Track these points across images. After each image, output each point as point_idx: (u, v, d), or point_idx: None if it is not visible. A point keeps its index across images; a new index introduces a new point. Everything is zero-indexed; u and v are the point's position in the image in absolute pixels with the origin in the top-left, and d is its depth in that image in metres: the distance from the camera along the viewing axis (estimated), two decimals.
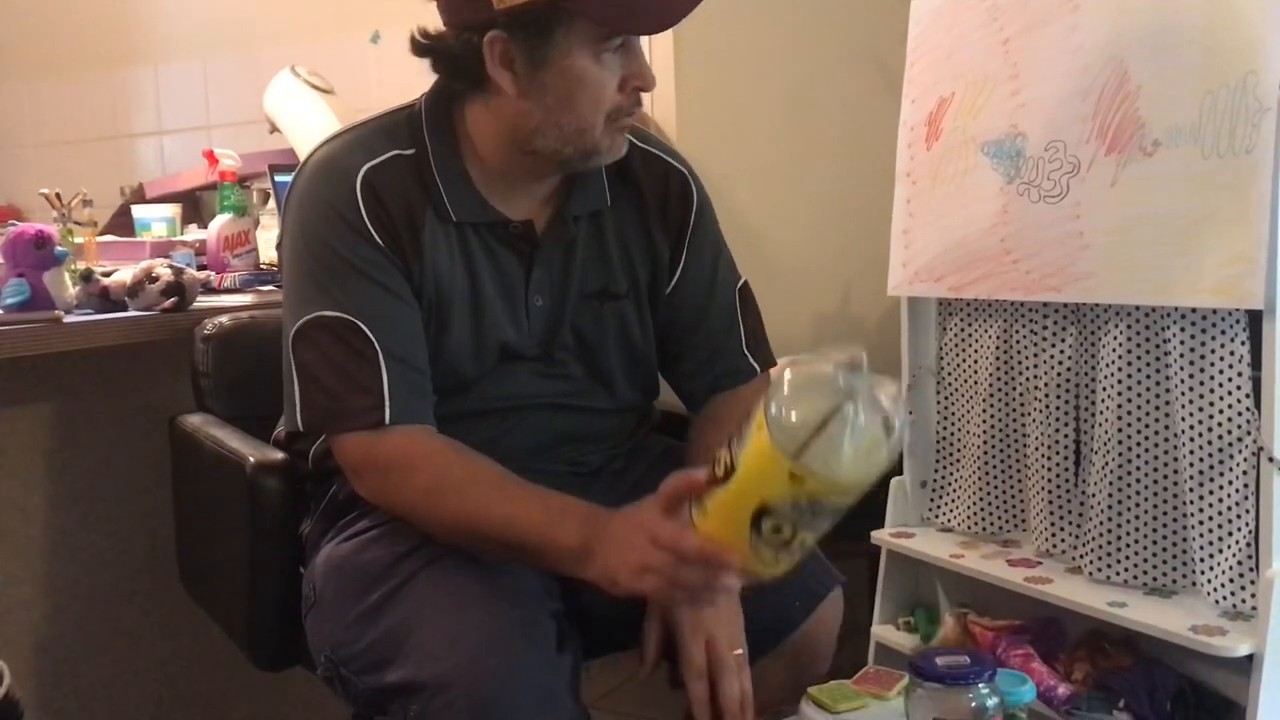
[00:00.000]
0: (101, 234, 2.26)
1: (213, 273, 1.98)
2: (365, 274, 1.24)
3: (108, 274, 1.76)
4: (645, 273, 1.40)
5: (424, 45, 1.28)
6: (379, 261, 1.25)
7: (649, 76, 1.25)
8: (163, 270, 1.71)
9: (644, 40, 1.27)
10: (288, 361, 1.28)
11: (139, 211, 2.38)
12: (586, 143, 1.25)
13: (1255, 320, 1.36)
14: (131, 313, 1.71)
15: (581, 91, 1.22)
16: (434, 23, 1.28)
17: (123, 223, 2.54)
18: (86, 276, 1.71)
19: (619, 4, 1.18)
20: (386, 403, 1.22)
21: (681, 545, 1.05)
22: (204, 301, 1.80)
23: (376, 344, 1.23)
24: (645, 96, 1.29)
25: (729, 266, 1.47)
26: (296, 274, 1.28)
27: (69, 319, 1.64)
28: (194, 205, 2.62)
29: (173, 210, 2.36)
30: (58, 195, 1.92)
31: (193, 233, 2.35)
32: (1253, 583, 1.38)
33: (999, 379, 1.69)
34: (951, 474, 1.79)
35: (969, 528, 1.75)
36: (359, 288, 1.24)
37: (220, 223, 2.03)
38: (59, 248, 1.64)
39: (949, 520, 1.78)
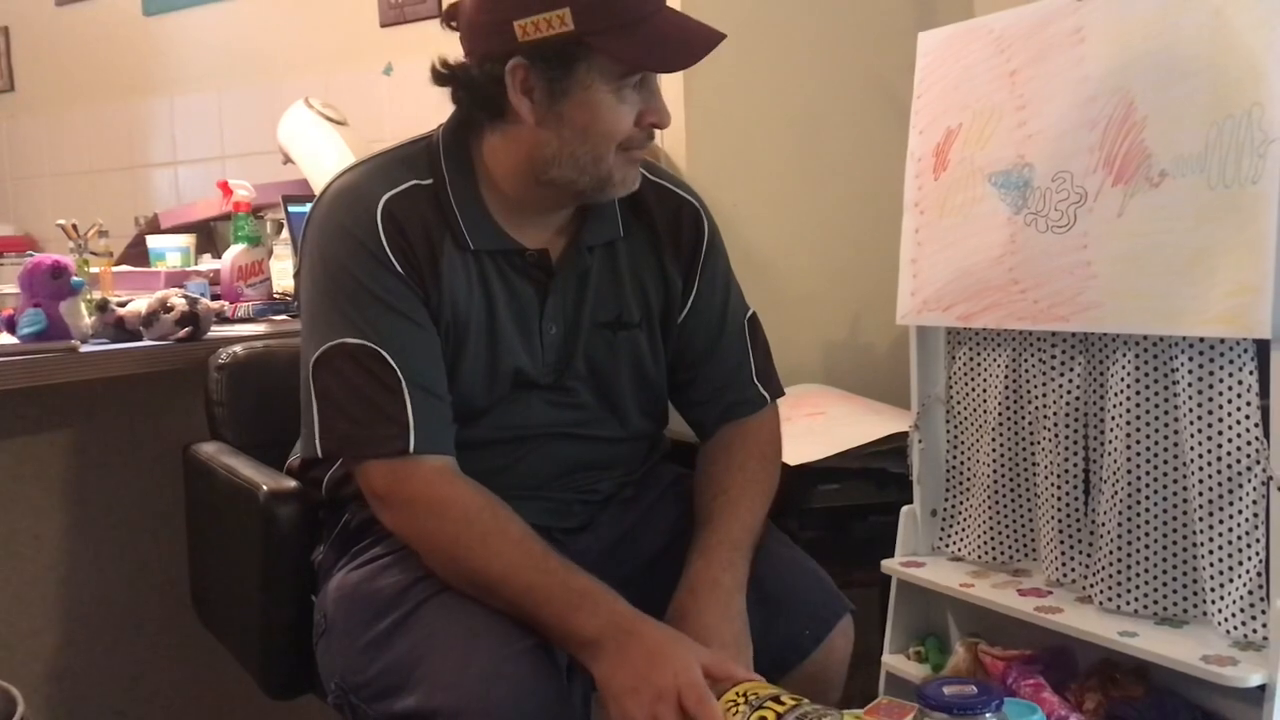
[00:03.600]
0: (117, 264, 2.27)
1: (227, 302, 2.00)
2: (387, 302, 1.25)
3: (123, 304, 1.77)
4: (658, 302, 1.41)
5: (445, 75, 1.30)
6: (400, 290, 1.26)
7: (664, 113, 1.27)
8: (177, 300, 1.73)
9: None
10: (306, 387, 1.28)
11: (154, 241, 2.39)
12: (601, 172, 1.27)
13: (1263, 349, 1.36)
14: (146, 342, 1.73)
15: (598, 124, 1.24)
16: (448, 56, 1.30)
17: (138, 253, 2.56)
18: (102, 306, 1.73)
19: (641, 43, 1.20)
20: (411, 431, 1.23)
21: None
22: (218, 331, 1.81)
23: (399, 372, 1.24)
24: None
25: (739, 297, 1.49)
26: (317, 300, 1.28)
27: (85, 348, 1.65)
28: (208, 235, 2.64)
29: (187, 240, 2.37)
30: (74, 226, 1.94)
31: (207, 263, 2.36)
32: (1264, 613, 1.38)
33: (1008, 408, 1.69)
34: (961, 503, 1.79)
35: (979, 557, 1.74)
36: (381, 315, 1.25)
37: (234, 253, 2.05)
38: (75, 278, 1.66)
39: (959, 549, 1.78)
